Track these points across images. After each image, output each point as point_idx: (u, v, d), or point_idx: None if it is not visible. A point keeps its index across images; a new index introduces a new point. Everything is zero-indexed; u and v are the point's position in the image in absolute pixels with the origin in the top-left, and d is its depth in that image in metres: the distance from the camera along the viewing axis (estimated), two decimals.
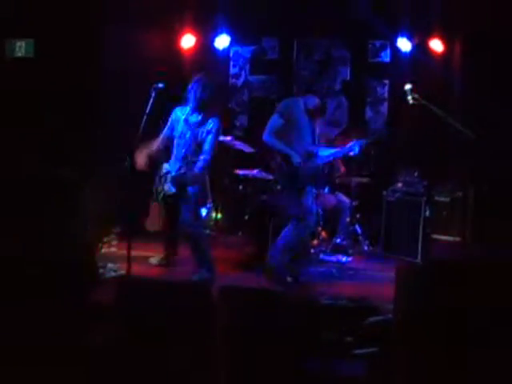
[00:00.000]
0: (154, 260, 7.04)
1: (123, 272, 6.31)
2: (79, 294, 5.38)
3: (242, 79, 9.49)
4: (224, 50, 9.25)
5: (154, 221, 7.71)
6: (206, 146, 6.33)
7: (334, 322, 5.23)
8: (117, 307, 5.22)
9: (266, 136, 6.41)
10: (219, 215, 8.70)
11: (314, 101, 6.56)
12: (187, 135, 6.37)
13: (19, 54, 7.58)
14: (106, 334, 5.01)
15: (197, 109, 6.36)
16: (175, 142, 6.44)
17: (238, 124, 9.33)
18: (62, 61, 7.60)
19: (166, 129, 6.52)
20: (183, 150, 6.39)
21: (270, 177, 7.72)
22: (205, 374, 4.63)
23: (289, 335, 4.78)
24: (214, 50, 9.17)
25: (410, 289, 5.17)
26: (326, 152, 6.70)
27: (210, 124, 6.34)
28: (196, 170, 6.34)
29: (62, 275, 5.51)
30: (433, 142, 8.16)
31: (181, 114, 6.43)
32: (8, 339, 4.80)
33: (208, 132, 6.32)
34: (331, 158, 6.87)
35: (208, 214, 8.57)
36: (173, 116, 6.49)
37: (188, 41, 8.99)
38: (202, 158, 6.32)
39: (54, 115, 7.54)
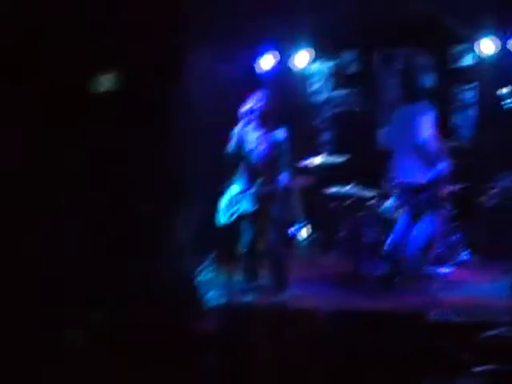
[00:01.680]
0: None
1: (224, 300, 6.30)
2: (184, 325, 5.44)
3: (324, 95, 9.40)
4: (304, 67, 9.18)
5: None
6: (282, 159, 6.30)
7: (448, 339, 5.09)
8: (220, 336, 5.23)
9: (429, 137, 6.77)
10: (311, 234, 8.60)
11: None
12: (255, 151, 6.33)
13: (105, 88, 7.63)
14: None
15: (261, 123, 6.33)
16: (242, 160, 6.41)
17: (323, 141, 9.24)
18: (146, 93, 7.61)
19: (232, 147, 6.46)
20: (254, 167, 6.36)
21: (365, 192, 7.67)
22: None
23: (406, 356, 4.69)
24: (294, 67, 9.11)
25: None
26: None
27: (279, 135, 6.30)
28: (280, 184, 6.29)
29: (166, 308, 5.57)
30: None
31: (242, 131, 6.39)
32: None
33: (278, 144, 6.27)
34: None
35: (299, 233, 8.51)
36: (234, 134, 6.45)
37: (268, 61, 8.94)
38: (283, 172, 6.28)
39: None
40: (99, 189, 6.89)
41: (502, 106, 7.65)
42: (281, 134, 6.33)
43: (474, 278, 7.24)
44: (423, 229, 6.90)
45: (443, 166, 6.80)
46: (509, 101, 5.97)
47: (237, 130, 6.39)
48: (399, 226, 7.09)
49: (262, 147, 6.32)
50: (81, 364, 5.27)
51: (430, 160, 6.76)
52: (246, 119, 6.34)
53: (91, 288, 6.10)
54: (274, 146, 6.30)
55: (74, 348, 5.51)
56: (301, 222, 8.48)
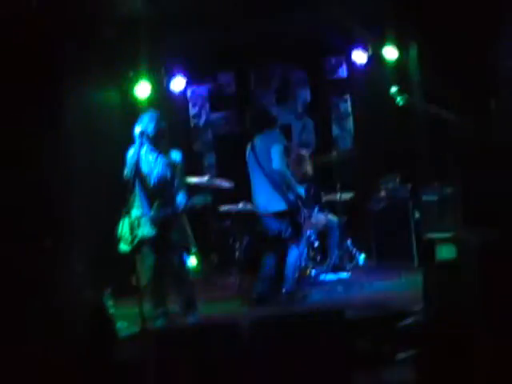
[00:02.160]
0: None
1: (136, 329, 6.10)
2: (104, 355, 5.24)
3: (203, 119, 9.43)
4: (181, 91, 9.17)
5: None
6: (179, 181, 6.25)
7: (368, 332, 5.15)
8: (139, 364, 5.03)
9: (282, 166, 6.62)
10: (207, 257, 8.52)
11: None
12: (152, 174, 6.24)
13: None
14: None
15: (153, 144, 6.27)
16: (138, 183, 6.15)
17: (206, 164, 9.23)
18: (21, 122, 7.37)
19: (127, 171, 6.16)
20: (152, 190, 6.27)
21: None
22: None
23: (330, 353, 4.68)
24: (171, 93, 9.08)
25: (441, 287, 5.15)
26: None
27: (173, 157, 6.24)
28: (177, 207, 6.21)
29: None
30: (411, 144, 8.18)
31: (136, 155, 6.11)
32: None
33: (173, 166, 6.23)
34: None
35: (191, 257, 8.39)
36: (128, 159, 6.19)
37: (143, 88, 8.83)
38: (179, 194, 6.20)
39: None
40: None
41: (380, 112, 8.00)
42: (175, 155, 6.25)
43: (371, 279, 7.39)
44: (291, 260, 6.85)
45: (301, 192, 6.85)
46: (399, 98, 6.15)
47: (130, 153, 6.20)
48: (269, 260, 6.99)
49: (158, 170, 6.19)
50: None
51: (283, 187, 6.77)
52: (138, 142, 6.16)
53: None
54: (170, 167, 6.19)
55: None
56: (191, 245, 8.35)
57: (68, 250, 7.22)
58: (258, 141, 6.87)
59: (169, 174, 6.15)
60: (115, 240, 6.35)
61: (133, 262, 6.74)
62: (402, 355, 4.89)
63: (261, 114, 7.15)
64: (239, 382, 4.60)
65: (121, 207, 6.17)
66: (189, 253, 8.21)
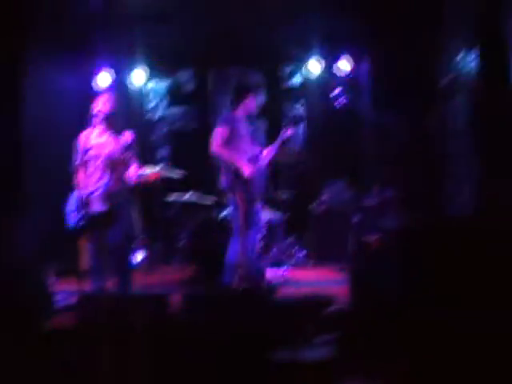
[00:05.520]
0: None
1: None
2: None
3: (159, 113, 9.66)
4: (140, 85, 9.41)
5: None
6: (130, 160, 6.43)
7: (293, 316, 5.39)
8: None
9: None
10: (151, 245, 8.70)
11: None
12: (105, 152, 6.41)
13: None
14: None
15: (107, 124, 6.45)
16: (90, 161, 6.40)
17: (159, 157, 9.43)
18: None
19: (77, 156, 6.45)
20: (103, 168, 6.39)
21: (204, 199, 8.11)
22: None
23: (255, 332, 4.93)
24: (130, 86, 9.30)
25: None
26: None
27: (125, 137, 6.42)
28: (128, 182, 6.42)
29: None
30: (357, 150, 8.50)
31: (90, 134, 6.41)
32: None
33: (126, 147, 6.41)
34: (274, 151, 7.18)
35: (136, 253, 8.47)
36: (80, 142, 6.44)
37: (103, 79, 9.06)
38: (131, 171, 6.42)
39: None
40: None
41: (329, 120, 8.33)
42: (128, 136, 6.46)
43: (310, 277, 7.68)
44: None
45: None
46: (340, 100, 6.42)
47: (83, 134, 6.44)
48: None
49: (110, 148, 6.42)
50: None
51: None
52: (93, 122, 6.41)
53: None
54: (123, 147, 6.42)
55: None
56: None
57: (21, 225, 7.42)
58: None
59: (121, 153, 6.38)
60: (64, 216, 6.51)
61: (78, 240, 6.95)
62: (323, 338, 5.13)
63: None
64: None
65: (72, 184, 6.39)
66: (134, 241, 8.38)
